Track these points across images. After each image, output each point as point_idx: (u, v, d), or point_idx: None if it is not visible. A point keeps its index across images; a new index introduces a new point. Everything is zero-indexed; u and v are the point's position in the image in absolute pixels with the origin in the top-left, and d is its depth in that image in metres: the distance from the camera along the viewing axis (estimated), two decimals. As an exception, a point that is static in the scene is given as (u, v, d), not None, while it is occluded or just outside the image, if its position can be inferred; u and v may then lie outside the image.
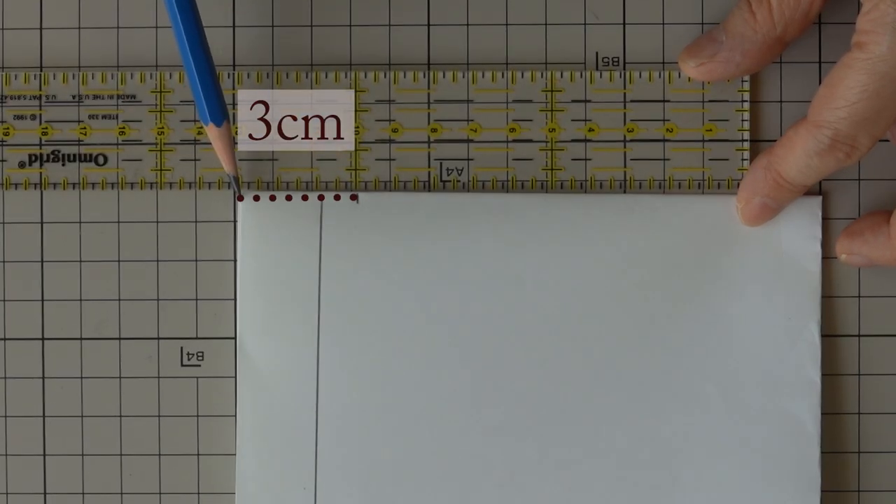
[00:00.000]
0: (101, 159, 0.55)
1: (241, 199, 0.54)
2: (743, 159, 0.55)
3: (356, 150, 0.55)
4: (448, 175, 0.55)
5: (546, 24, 0.55)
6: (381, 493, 0.55)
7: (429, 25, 0.55)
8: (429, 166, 0.55)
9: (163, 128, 0.55)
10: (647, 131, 0.55)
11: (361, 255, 0.55)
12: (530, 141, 0.55)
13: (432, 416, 0.55)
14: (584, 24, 0.55)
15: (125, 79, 0.55)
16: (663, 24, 0.55)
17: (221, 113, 0.52)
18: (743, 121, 0.55)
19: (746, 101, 0.55)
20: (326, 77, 0.55)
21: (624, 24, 0.55)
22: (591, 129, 0.55)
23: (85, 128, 0.55)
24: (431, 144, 0.55)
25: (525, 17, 0.55)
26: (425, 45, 0.55)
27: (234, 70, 0.55)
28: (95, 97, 0.55)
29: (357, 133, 0.55)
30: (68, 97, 0.55)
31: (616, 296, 0.55)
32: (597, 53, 0.55)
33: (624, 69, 0.55)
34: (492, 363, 0.55)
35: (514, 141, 0.55)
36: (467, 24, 0.55)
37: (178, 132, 0.55)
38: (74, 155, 0.55)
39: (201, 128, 0.55)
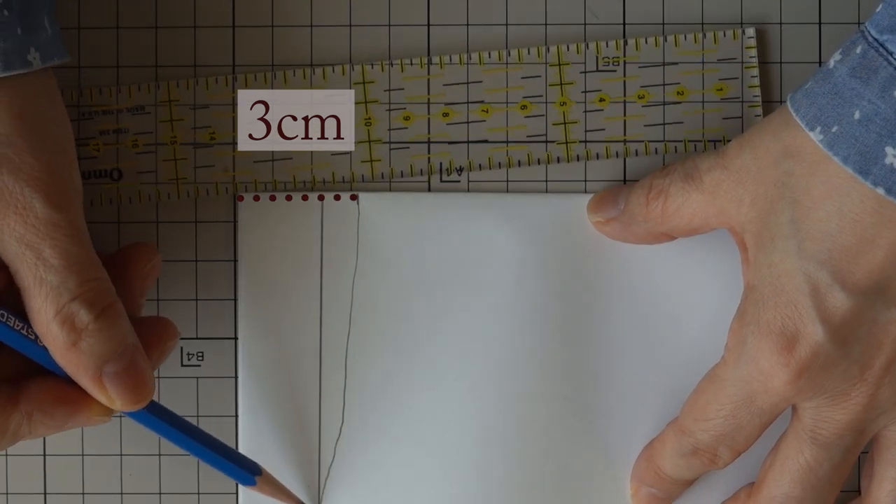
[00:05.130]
0: (115, 174, 0.55)
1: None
2: (756, 115, 0.55)
3: (357, 149, 0.55)
4: (448, 176, 0.55)
5: (546, 25, 0.55)
6: (382, 494, 0.55)
7: (429, 25, 0.55)
8: (429, 164, 0.55)
9: (175, 136, 0.55)
10: (658, 96, 0.55)
11: (362, 255, 0.55)
12: (542, 116, 0.54)
13: (433, 416, 0.55)
14: (584, 24, 0.55)
15: (132, 91, 0.54)
16: (663, 24, 0.55)
17: (250, 470, 0.52)
18: (752, 77, 0.55)
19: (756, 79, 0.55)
20: (326, 77, 0.55)
21: (624, 24, 0.55)
22: (601, 100, 0.55)
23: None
24: (432, 143, 0.55)
25: (525, 17, 0.55)
26: (425, 45, 0.55)
27: (234, 70, 0.55)
28: (104, 112, 0.55)
29: (367, 125, 0.55)
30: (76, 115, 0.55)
31: (618, 294, 0.55)
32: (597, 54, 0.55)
33: (624, 67, 0.55)
34: (493, 362, 0.55)
35: (527, 118, 0.54)
36: (467, 25, 0.55)
37: (178, 133, 0.55)
38: (89, 172, 0.55)
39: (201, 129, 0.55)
